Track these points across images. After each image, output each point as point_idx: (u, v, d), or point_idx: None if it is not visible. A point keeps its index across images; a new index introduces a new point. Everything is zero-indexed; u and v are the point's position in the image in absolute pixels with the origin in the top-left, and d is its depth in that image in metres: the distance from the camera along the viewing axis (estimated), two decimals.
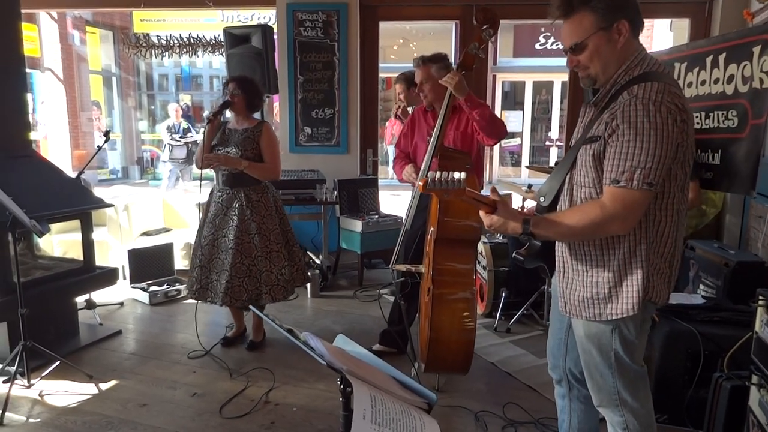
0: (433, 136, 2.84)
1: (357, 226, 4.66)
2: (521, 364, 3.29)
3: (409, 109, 4.43)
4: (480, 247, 4.03)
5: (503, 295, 3.86)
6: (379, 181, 5.28)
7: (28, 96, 8.80)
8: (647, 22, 1.74)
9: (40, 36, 9.92)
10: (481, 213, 1.65)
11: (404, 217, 2.95)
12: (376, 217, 4.81)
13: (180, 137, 9.17)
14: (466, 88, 2.73)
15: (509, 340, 3.63)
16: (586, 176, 1.61)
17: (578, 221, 1.55)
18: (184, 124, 9.31)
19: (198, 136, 9.74)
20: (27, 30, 9.21)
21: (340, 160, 5.17)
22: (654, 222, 1.57)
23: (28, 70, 9.23)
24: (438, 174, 1.50)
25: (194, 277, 3.34)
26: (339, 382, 1.22)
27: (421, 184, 1.54)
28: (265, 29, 4.41)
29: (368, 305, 4.32)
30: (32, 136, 6.75)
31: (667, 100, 1.46)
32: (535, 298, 3.83)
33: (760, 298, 1.98)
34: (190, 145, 9.29)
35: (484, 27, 2.69)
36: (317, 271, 4.67)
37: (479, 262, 4.09)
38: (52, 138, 10.35)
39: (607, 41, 1.55)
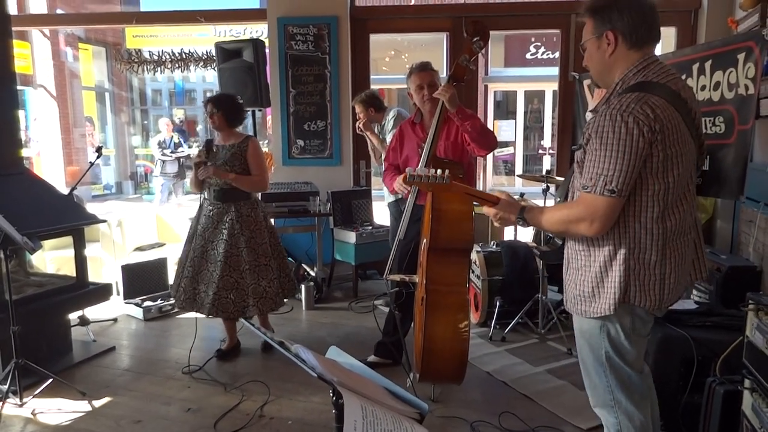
0: (425, 147, 2.87)
1: (351, 237, 4.66)
2: (516, 372, 3.29)
3: (381, 129, 4.46)
4: (474, 256, 4.04)
5: (497, 304, 3.86)
6: (373, 192, 5.29)
7: (21, 113, 8.82)
8: None
9: (33, 53, 9.94)
10: (485, 207, 1.82)
11: (398, 228, 2.96)
12: (370, 228, 4.81)
13: (171, 152, 9.15)
14: (458, 101, 2.77)
15: (504, 349, 3.63)
16: (577, 180, 1.70)
17: (553, 216, 1.71)
18: (175, 139, 9.29)
19: (190, 150, 9.75)
20: (19, 47, 9.23)
21: (333, 171, 5.19)
22: (630, 229, 1.62)
23: (20, 87, 9.27)
24: (420, 170, 1.69)
25: (181, 287, 3.37)
26: (331, 395, 1.22)
27: (398, 182, 1.71)
28: (256, 43, 4.45)
29: (363, 316, 4.31)
30: (25, 152, 6.75)
31: (637, 111, 1.51)
32: (530, 307, 3.83)
33: (750, 302, 1.99)
34: (181, 159, 9.28)
35: (475, 39, 2.74)
36: (312, 283, 4.66)
37: (473, 272, 4.10)
38: (45, 154, 10.32)
39: (597, 48, 1.69)
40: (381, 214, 4.86)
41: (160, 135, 9.38)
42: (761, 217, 3.49)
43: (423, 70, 3.09)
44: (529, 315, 3.87)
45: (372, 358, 3.26)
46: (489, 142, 2.90)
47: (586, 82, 4.74)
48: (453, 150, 3.03)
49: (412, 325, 3.12)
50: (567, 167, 5.10)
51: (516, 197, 2.11)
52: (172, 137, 9.22)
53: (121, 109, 12.95)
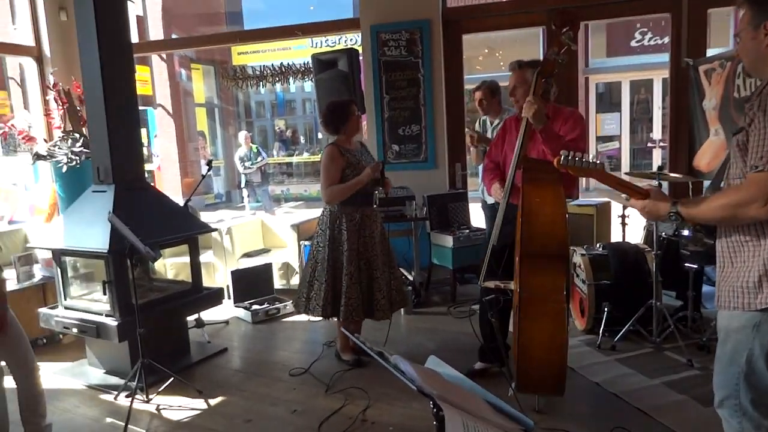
0: (515, 149, 2.77)
1: (448, 241, 4.61)
2: (630, 384, 3.07)
3: (488, 126, 4.35)
4: (578, 259, 3.84)
5: (605, 310, 3.63)
6: (469, 194, 5.21)
7: (143, 131, 9.69)
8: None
9: (152, 76, 10.93)
10: (633, 200, 1.80)
11: (492, 232, 2.88)
12: (467, 231, 4.74)
13: (252, 164, 9.48)
14: (544, 118, 2.66)
15: (615, 359, 3.40)
16: (736, 168, 1.66)
17: (716, 203, 1.62)
18: (254, 149, 9.60)
19: (271, 158, 10.11)
20: (140, 71, 10.20)
21: (429, 175, 5.17)
22: None
23: (143, 107, 10.19)
24: (572, 153, 1.76)
25: (353, 298, 3.37)
26: (431, 406, 1.20)
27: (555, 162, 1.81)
28: (350, 53, 4.54)
29: (462, 322, 4.24)
30: (147, 167, 7.41)
31: None
32: (642, 313, 3.56)
33: None
34: (263, 168, 9.64)
35: (564, 30, 2.59)
36: (410, 287, 4.67)
37: (578, 275, 3.90)
38: (164, 168, 11.29)
39: (753, 38, 1.64)
40: (478, 216, 4.76)
41: (240, 149, 9.67)
42: None
43: (513, 70, 3.00)
44: (641, 322, 3.60)
45: (478, 365, 3.20)
46: None
47: (702, 68, 4.34)
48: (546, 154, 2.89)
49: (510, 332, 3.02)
50: (683, 161, 4.70)
51: (623, 197, 2.00)
52: (251, 149, 9.56)
53: (229, 123, 13.85)
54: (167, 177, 11.21)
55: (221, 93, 13.38)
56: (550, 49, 2.65)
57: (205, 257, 4.50)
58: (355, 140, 3.54)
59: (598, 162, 1.79)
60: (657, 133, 11.97)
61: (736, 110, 4.00)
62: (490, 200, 3.74)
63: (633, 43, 11.64)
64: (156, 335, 3.35)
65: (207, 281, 4.21)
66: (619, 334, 3.56)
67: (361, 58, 4.83)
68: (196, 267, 3.88)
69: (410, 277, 4.91)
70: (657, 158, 11.67)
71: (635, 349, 3.52)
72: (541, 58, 2.73)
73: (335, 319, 3.48)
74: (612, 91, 12.61)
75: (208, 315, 4.33)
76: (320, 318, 3.50)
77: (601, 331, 3.61)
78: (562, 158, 1.79)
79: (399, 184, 5.02)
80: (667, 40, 10.88)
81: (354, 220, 3.39)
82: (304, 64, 6.74)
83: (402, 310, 4.49)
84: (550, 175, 2.60)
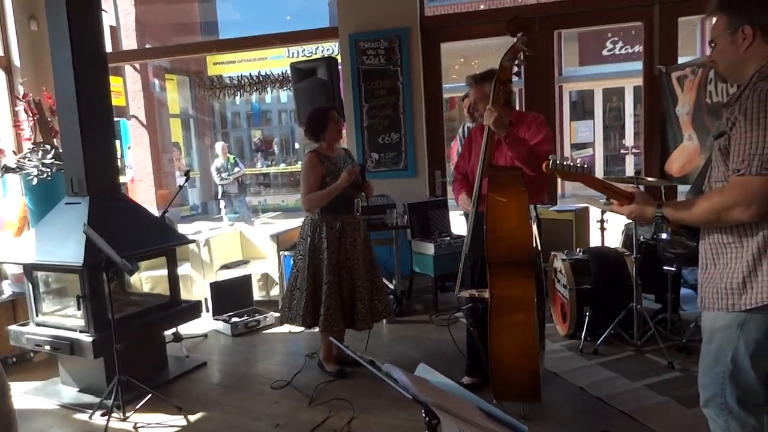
0: (479, 159, 2.76)
1: (429, 249, 4.61)
2: (613, 388, 3.08)
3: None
4: (559, 264, 3.86)
5: (587, 314, 3.66)
6: (449, 201, 5.22)
7: (117, 142, 9.51)
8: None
9: (126, 86, 10.75)
10: (616, 205, 1.81)
11: (464, 242, 2.87)
12: (448, 238, 4.74)
13: (228, 175, 9.35)
14: (505, 125, 2.66)
15: (597, 363, 3.42)
16: (718, 171, 1.68)
17: (701, 206, 1.65)
18: (231, 160, 9.44)
19: (247, 169, 9.97)
20: (113, 82, 10.01)
21: (409, 183, 5.17)
22: None
23: (116, 119, 10.01)
24: (560, 158, 1.77)
25: (332, 308, 3.33)
26: (424, 415, 1.17)
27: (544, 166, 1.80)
28: (329, 62, 4.53)
29: (445, 330, 4.18)
30: (121, 179, 7.27)
31: None
32: (623, 317, 3.60)
33: None
34: (240, 178, 9.52)
35: (518, 35, 2.61)
36: (392, 296, 4.64)
37: (559, 281, 3.92)
38: (138, 180, 11.09)
39: (731, 43, 1.68)
40: (459, 223, 4.77)
41: (217, 160, 9.51)
42: None
43: (470, 86, 3.01)
44: (622, 326, 3.63)
45: (465, 380, 3.17)
46: (536, 166, 2.75)
47: (675, 75, 4.44)
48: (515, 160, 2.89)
49: None
50: (657, 166, 4.78)
51: (601, 201, 2.03)
52: (228, 159, 9.43)
53: (205, 133, 13.69)
54: (141, 189, 11.01)
55: (197, 103, 13.24)
56: (506, 55, 2.65)
57: (182, 270, 4.41)
58: (338, 147, 3.52)
59: (585, 166, 1.80)
60: (629, 140, 12.23)
61: (709, 115, 4.10)
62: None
63: (605, 52, 11.91)
64: (133, 350, 3.26)
65: (184, 294, 4.12)
66: (601, 338, 3.58)
67: (340, 66, 4.82)
68: (174, 279, 3.79)
69: (391, 286, 4.89)
70: (630, 165, 11.90)
71: (617, 352, 3.55)
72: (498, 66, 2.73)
73: (317, 329, 3.43)
74: (585, 99, 12.85)
75: (186, 329, 4.24)
76: (302, 328, 3.45)
77: (583, 336, 3.64)
78: (550, 163, 1.79)
79: (379, 192, 5.00)
80: (637, 48, 11.18)
81: (334, 228, 3.36)
82: (283, 73, 6.71)
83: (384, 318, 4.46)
84: (515, 182, 2.62)
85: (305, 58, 7.42)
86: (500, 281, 2.61)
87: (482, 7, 11.69)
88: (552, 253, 4.01)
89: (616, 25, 8.97)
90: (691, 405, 2.73)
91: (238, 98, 8.83)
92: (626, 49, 11.74)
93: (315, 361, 3.66)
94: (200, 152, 13.49)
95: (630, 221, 2.58)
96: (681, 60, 4.79)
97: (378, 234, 4.87)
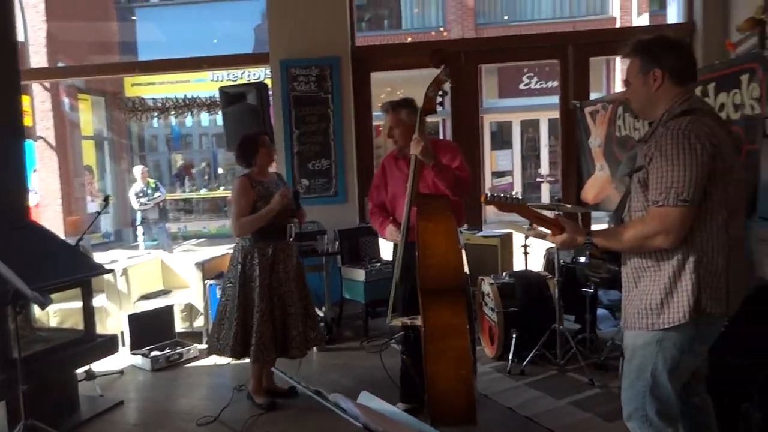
0: (407, 189, 2.80)
1: (360, 275, 4.60)
2: (540, 407, 3.20)
3: None
4: (487, 288, 3.98)
5: (513, 336, 3.78)
6: None
7: None
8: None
9: (33, 106, 10.04)
10: (549, 236, 1.91)
11: (394, 271, 2.90)
12: (379, 264, 4.76)
13: (149, 200, 8.91)
14: (432, 154, 2.73)
15: (524, 383, 3.54)
16: (637, 201, 1.82)
17: (626, 235, 1.78)
18: (152, 184, 8.93)
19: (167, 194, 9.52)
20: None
21: (339, 209, 5.17)
22: (697, 238, 1.71)
23: None
24: (497, 191, 1.91)
25: (264, 336, 3.22)
26: None
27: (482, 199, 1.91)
28: (259, 87, 4.49)
29: (376, 356, 4.14)
30: None
31: (696, 129, 1.67)
32: (547, 337, 3.75)
33: None
34: (160, 204, 9.09)
35: (441, 67, 2.73)
36: (322, 324, 4.57)
37: (486, 304, 4.03)
38: (44, 205, 10.31)
39: (643, 84, 1.82)
40: (388, 250, 4.81)
41: (136, 185, 8.97)
42: None
43: (386, 112, 3.06)
44: (546, 346, 3.78)
45: (400, 405, 3.15)
46: (461, 190, 2.87)
47: (588, 110, 4.78)
48: (437, 186, 2.94)
49: None
50: (573, 193, 5.09)
51: (525, 227, 2.16)
52: (148, 183, 8.97)
53: (121, 156, 13.00)
54: (47, 215, 10.22)
55: (113, 125, 12.58)
56: (430, 86, 2.75)
57: (96, 301, 4.12)
58: (270, 172, 3.47)
59: (521, 198, 1.95)
60: (545, 168, 12.94)
61: (618, 147, 4.44)
62: None
63: (521, 86, 12.63)
64: (40, 391, 2.99)
65: (98, 328, 3.84)
66: (527, 359, 3.72)
67: (270, 92, 4.78)
68: (89, 312, 3.54)
69: (321, 314, 4.82)
70: (546, 192, 12.57)
71: (542, 372, 3.69)
72: (421, 96, 2.82)
73: (248, 360, 3.31)
74: (504, 130, 13.51)
75: (100, 365, 3.93)
76: (229, 359, 3.31)
77: (510, 357, 3.75)
78: (488, 196, 1.91)
79: (310, 218, 4.95)
80: (551, 84, 11.95)
81: (266, 254, 3.29)
82: (210, 97, 6.56)
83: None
84: (443, 208, 2.70)
85: (231, 82, 7.30)
86: (433, 307, 2.64)
87: (410, 39, 12.08)
88: (479, 277, 4.12)
89: (534, 62, 9.57)
90: (612, 419, 2.88)
91: (155, 121, 8.37)
92: (541, 84, 12.53)
93: (244, 393, 3.52)
94: (116, 176, 12.77)
95: (552, 245, 2.72)
96: (592, 96, 5.18)
97: (308, 261, 4.80)
